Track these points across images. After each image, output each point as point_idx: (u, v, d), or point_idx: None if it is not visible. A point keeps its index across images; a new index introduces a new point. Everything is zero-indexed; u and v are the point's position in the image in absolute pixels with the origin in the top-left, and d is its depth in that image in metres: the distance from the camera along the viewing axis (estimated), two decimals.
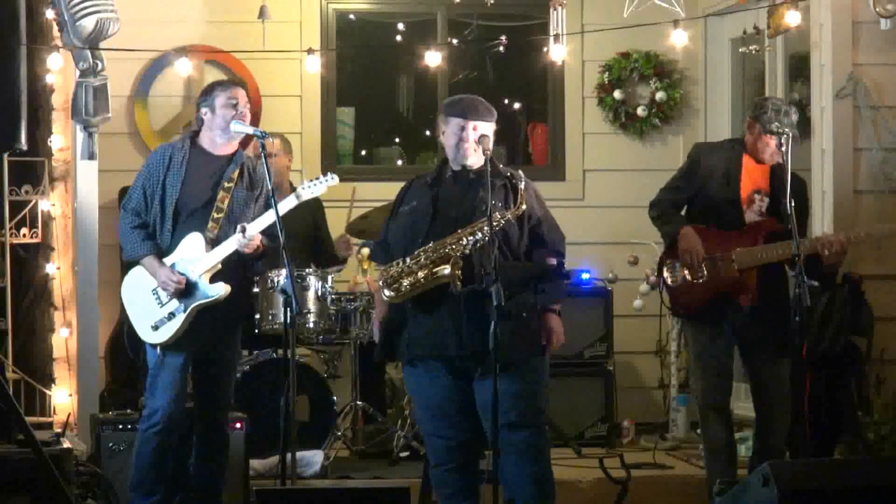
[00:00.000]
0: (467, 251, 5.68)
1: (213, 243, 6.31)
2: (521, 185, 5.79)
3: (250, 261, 6.44)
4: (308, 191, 6.42)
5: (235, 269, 6.40)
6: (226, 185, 6.37)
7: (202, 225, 6.32)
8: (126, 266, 6.57)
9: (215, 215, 6.33)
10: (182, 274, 6.28)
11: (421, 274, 5.69)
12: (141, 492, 6.36)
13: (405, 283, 5.71)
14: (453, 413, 5.75)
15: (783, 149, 6.15)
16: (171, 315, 6.31)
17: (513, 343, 5.63)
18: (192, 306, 6.30)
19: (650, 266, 8.41)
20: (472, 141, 5.80)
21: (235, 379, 6.71)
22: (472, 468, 5.85)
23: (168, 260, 6.33)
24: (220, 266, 6.31)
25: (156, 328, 6.33)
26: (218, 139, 6.43)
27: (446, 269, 5.64)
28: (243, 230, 6.25)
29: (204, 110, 6.45)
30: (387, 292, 5.75)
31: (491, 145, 5.80)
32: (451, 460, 5.79)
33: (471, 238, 5.69)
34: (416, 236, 5.78)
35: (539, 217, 5.86)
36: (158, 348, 6.33)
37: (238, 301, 6.44)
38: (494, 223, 5.66)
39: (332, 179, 6.49)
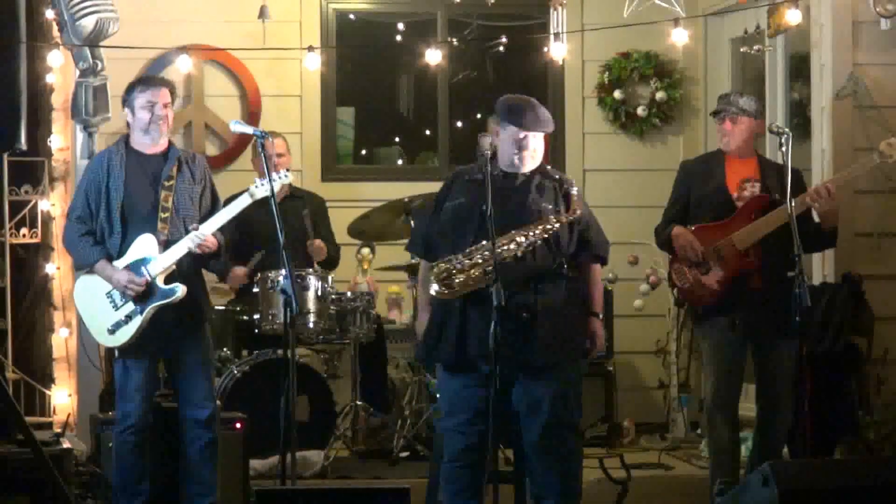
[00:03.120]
0: (519, 253, 5.69)
1: (165, 244, 6.30)
2: (574, 191, 5.82)
3: (208, 259, 6.44)
4: (261, 189, 6.36)
5: (191, 268, 6.39)
6: (166, 183, 6.34)
7: (151, 227, 6.31)
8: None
9: (162, 215, 6.31)
10: (140, 276, 6.27)
11: (474, 272, 5.68)
12: (126, 494, 6.35)
13: (457, 281, 5.68)
14: (482, 414, 5.71)
15: (783, 149, 6.16)
16: (129, 318, 6.29)
17: (555, 345, 5.70)
18: (150, 307, 6.28)
19: (650, 266, 8.42)
20: (530, 150, 5.79)
21: (214, 375, 6.69)
22: (481, 467, 5.84)
23: (120, 263, 6.30)
24: (174, 267, 6.31)
25: (112, 332, 6.32)
26: (142, 140, 6.40)
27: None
28: (195, 228, 6.26)
29: (125, 111, 6.43)
30: (436, 287, 5.70)
31: (488, 144, 5.80)
32: (466, 457, 5.77)
33: (523, 240, 5.69)
34: (465, 234, 5.74)
35: (587, 222, 5.88)
36: (116, 352, 6.32)
37: (197, 300, 6.43)
38: (549, 227, 5.70)
39: (286, 177, 6.54)
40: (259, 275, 7.54)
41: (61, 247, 8.36)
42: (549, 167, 5.94)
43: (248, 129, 6.42)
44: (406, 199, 7.90)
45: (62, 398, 8.27)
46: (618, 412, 8.58)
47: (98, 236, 6.36)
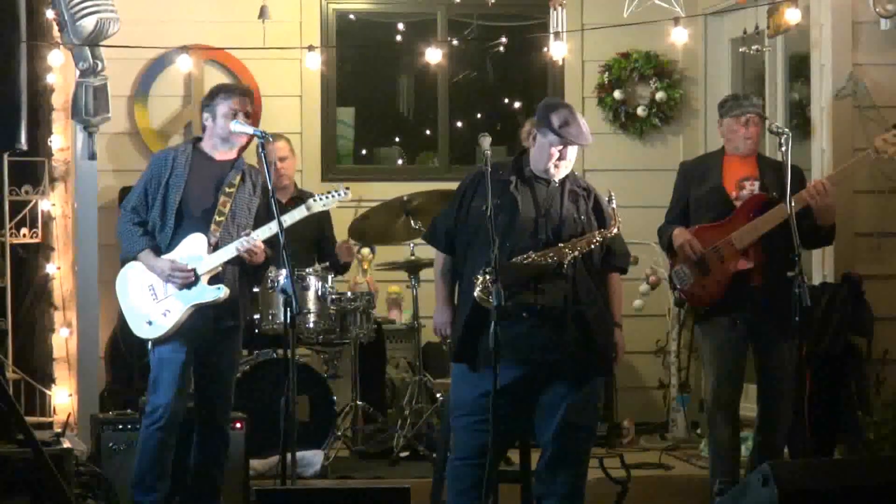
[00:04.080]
0: (565, 263, 5.67)
1: (214, 247, 6.34)
2: (614, 205, 5.83)
3: (253, 269, 6.48)
4: (319, 203, 6.50)
5: (238, 274, 6.44)
6: (227, 189, 6.40)
7: (204, 228, 6.36)
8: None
9: (217, 219, 6.37)
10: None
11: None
12: (142, 488, 6.39)
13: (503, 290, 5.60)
14: (505, 415, 5.66)
15: (783, 149, 6.16)
16: (167, 312, 6.34)
17: (607, 354, 5.75)
18: (190, 305, 6.33)
19: (650, 266, 8.42)
20: (567, 160, 5.78)
21: (235, 380, 6.71)
22: (489, 468, 5.83)
23: (168, 257, 6.36)
24: (220, 268, 6.35)
25: (150, 324, 6.36)
26: (219, 146, 6.48)
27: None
28: (248, 234, 6.30)
29: (206, 116, 6.51)
30: (481, 295, 5.63)
31: (488, 144, 5.78)
32: (478, 456, 5.74)
33: (568, 252, 5.67)
34: (504, 239, 5.65)
35: (614, 234, 5.87)
36: (150, 343, 6.35)
37: (240, 305, 6.48)
38: (594, 240, 5.72)
39: (346, 194, 6.57)
40: None
41: (61, 247, 8.38)
42: (575, 173, 5.92)
43: (249, 129, 6.43)
44: (406, 199, 7.91)
45: (62, 398, 8.27)
46: (618, 412, 8.58)
47: (149, 228, 6.41)
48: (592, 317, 5.71)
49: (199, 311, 6.35)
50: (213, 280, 6.35)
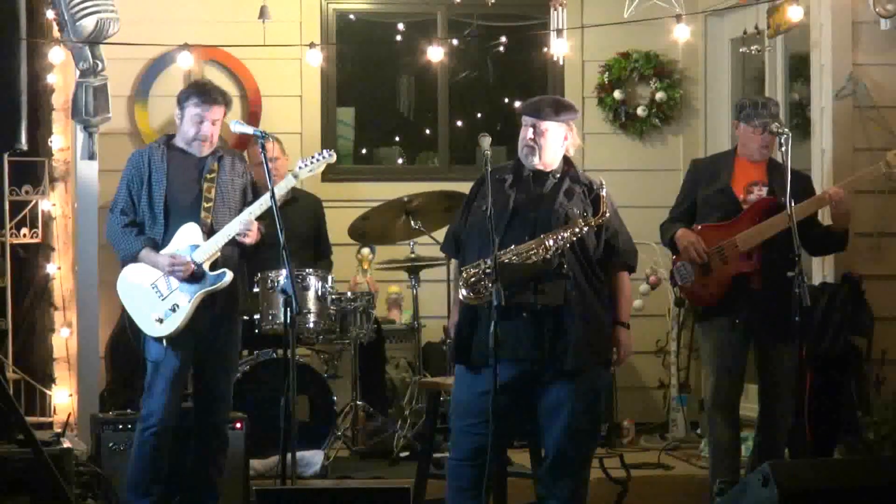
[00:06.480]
0: (548, 256, 5.64)
1: (209, 232, 6.34)
2: (604, 193, 5.74)
3: (252, 250, 6.45)
4: (305, 169, 6.45)
5: (230, 261, 6.41)
6: (208, 176, 6.40)
7: (194, 218, 6.36)
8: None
9: (206, 205, 6.37)
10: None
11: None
12: (137, 492, 6.37)
13: (484, 286, 5.62)
14: (501, 415, 5.64)
15: (783, 149, 6.17)
16: (176, 306, 6.32)
17: (585, 350, 5.65)
18: (197, 294, 6.32)
19: (650, 266, 8.42)
20: (527, 139, 5.73)
21: (235, 379, 6.71)
22: (487, 468, 5.83)
23: (165, 252, 6.34)
24: (219, 253, 6.34)
25: (161, 321, 6.33)
26: (185, 145, 6.45)
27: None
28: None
29: (178, 112, 6.48)
30: (464, 292, 5.65)
31: (488, 144, 5.76)
32: (476, 457, 5.73)
33: (551, 244, 5.64)
34: (491, 236, 5.64)
35: (615, 228, 5.79)
36: (164, 341, 6.31)
37: (235, 294, 6.46)
38: (577, 230, 5.63)
39: (331, 156, 6.56)
40: (259, 275, 7.55)
41: (61, 247, 8.38)
42: (580, 171, 5.87)
43: (249, 130, 6.43)
44: (406, 199, 7.91)
45: (62, 398, 8.26)
46: (618, 412, 8.58)
47: (141, 227, 6.39)
48: (578, 313, 5.63)
49: (198, 312, 6.32)
50: (214, 266, 6.34)
